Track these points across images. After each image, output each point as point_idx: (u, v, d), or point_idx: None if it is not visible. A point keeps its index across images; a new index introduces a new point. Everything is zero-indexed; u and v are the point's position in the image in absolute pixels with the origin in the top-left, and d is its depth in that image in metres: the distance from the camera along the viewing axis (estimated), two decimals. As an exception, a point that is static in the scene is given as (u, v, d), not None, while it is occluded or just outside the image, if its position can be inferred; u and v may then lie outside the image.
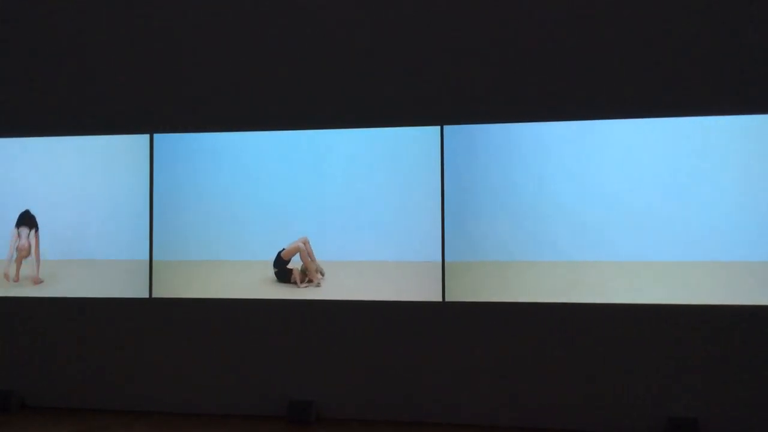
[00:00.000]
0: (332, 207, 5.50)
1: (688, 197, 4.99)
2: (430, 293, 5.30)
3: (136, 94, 5.80)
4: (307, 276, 5.51)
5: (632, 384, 5.06)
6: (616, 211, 5.08)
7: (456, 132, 5.32)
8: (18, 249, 5.82)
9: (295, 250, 5.49)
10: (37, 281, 5.83)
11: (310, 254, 5.50)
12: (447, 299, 5.27)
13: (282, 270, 5.55)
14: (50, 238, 5.85)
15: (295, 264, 5.56)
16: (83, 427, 5.28)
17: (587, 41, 5.18)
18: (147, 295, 5.69)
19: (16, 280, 5.87)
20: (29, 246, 5.81)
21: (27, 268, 5.87)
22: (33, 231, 5.82)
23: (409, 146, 5.39)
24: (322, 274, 5.50)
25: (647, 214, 5.04)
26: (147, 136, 5.72)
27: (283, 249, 5.54)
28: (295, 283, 5.52)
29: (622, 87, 5.12)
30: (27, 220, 5.84)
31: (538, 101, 5.23)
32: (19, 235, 5.81)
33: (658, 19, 5.10)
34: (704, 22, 5.04)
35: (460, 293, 5.26)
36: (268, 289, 5.55)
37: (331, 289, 5.48)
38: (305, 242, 5.50)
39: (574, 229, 5.13)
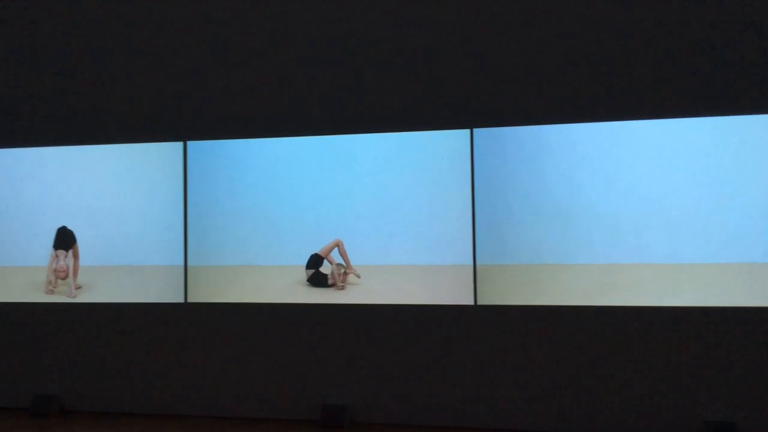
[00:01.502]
0: (363, 211, 5.53)
1: (724, 197, 4.92)
2: (462, 297, 5.30)
3: (169, 103, 5.90)
4: (345, 275, 5.54)
5: (669, 387, 5.00)
6: (650, 212, 5.03)
7: (485, 135, 5.32)
8: (56, 271, 5.95)
9: (334, 245, 5.51)
10: (74, 294, 5.95)
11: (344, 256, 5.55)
12: (479, 302, 5.26)
13: (317, 273, 5.58)
14: (88, 245, 5.96)
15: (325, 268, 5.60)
16: (120, 431, 5.37)
17: (618, 41, 5.14)
18: (182, 300, 5.77)
19: (55, 287, 5.99)
20: (67, 268, 5.93)
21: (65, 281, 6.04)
22: (70, 251, 5.94)
23: (439, 149, 5.40)
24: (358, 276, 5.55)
25: (682, 216, 4.98)
26: (181, 144, 5.81)
27: (313, 253, 5.58)
28: (333, 284, 5.55)
29: (654, 87, 5.08)
30: (63, 241, 5.95)
31: (568, 102, 5.21)
32: (57, 256, 5.95)
33: (689, 19, 5.04)
34: (734, 18, 4.97)
35: (492, 296, 5.25)
36: (301, 293, 5.60)
37: (363, 293, 5.50)
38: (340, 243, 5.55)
39: (607, 231, 5.09)
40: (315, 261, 5.58)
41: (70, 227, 5.98)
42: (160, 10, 5.96)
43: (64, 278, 5.94)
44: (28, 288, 6.04)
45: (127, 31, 6.01)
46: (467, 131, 5.34)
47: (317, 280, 5.57)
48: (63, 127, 6.07)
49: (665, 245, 5.00)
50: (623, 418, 5.06)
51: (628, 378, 5.06)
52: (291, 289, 5.62)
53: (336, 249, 5.53)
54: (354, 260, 5.52)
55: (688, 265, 4.97)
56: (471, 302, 5.28)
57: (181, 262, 5.76)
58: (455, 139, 5.37)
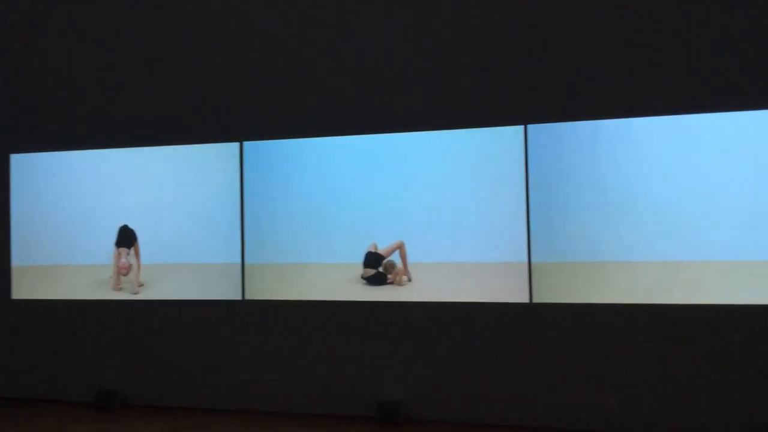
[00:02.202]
0: (416, 209, 5.53)
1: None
2: (517, 294, 5.25)
3: (226, 104, 6.01)
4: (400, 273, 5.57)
5: (733, 386, 4.86)
6: (711, 208, 4.90)
7: (540, 131, 5.26)
8: (118, 268, 6.14)
9: (397, 247, 5.53)
10: (136, 290, 6.12)
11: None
12: (534, 300, 5.21)
13: (378, 273, 5.60)
14: (149, 244, 6.13)
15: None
16: (179, 425, 5.48)
17: (673, 33, 5.03)
18: (240, 297, 5.88)
19: (118, 289, 6.18)
20: (129, 266, 6.12)
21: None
22: (132, 249, 6.12)
23: (493, 146, 5.37)
24: (409, 279, 5.56)
25: (744, 211, 4.83)
26: (237, 144, 5.92)
27: (371, 251, 5.61)
28: (392, 282, 5.57)
29: (714, 79, 4.94)
30: (124, 239, 6.13)
31: (625, 96, 5.11)
32: (119, 254, 6.13)
33: (750, 9, 4.90)
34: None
35: (548, 294, 5.19)
36: (355, 290, 5.64)
37: (417, 290, 5.51)
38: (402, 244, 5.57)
39: (667, 227, 4.97)
40: (375, 260, 5.60)
41: (131, 226, 6.16)
42: (215, 12, 6.09)
43: (125, 275, 6.12)
44: (91, 285, 6.24)
45: (184, 34, 6.15)
46: (521, 127, 5.30)
47: (377, 279, 5.60)
48: (124, 130, 6.24)
49: (727, 242, 4.86)
50: (686, 417, 4.93)
51: (690, 377, 4.94)
52: (345, 286, 5.67)
53: (397, 251, 5.55)
54: (408, 258, 5.53)
55: (751, 262, 4.83)
56: (526, 300, 5.23)
57: (239, 260, 5.87)
58: (509, 135, 5.33)
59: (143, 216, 6.14)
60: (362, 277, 5.62)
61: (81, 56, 6.42)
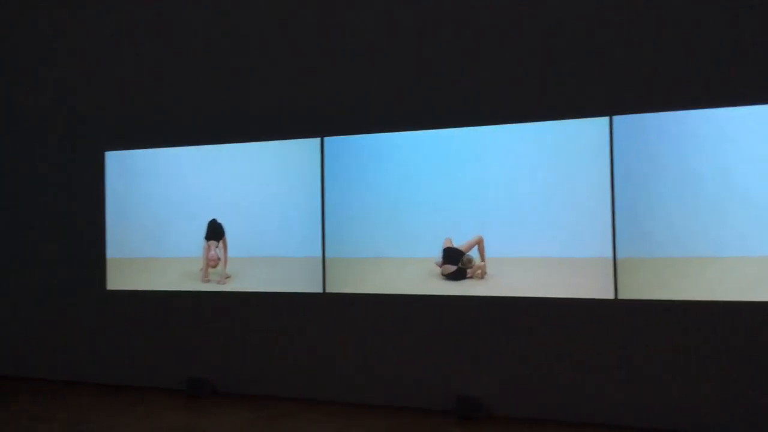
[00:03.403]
0: (497, 203, 5.48)
1: None
2: (602, 290, 5.13)
3: (307, 101, 6.12)
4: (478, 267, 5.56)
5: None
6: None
7: (626, 122, 5.11)
8: (208, 260, 6.38)
9: (476, 242, 5.52)
10: (223, 282, 6.34)
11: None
12: (620, 296, 5.08)
13: (458, 269, 5.59)
14: (235, 238, 6.33)
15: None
16: (265, 413, 5.64)
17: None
18: (321, 290, 5.99)
19: (207, 281, 6.41)
20: (217, 258, 6.35)
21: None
22: (220, 242, 6.34)
23: (577, 138, 5.25)
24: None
25: None
26: (318, 140, 6.03)
27: (449, 247, 5.60)
28: (472, 276, 5.56)
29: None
30: (214, 232, 6.36)
31: (716, 85, 4.89)
32: (208, 246, 6.36)
33: None
34: None
35: (634, 290, 5.05)
36: (435, 284, 5.65)
37: (499, 285, 5.47)
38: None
39: (759, 221, 4.73)
40: (455, 256, 5.59)
41: (218, 220, 6.37)
42: (296, 11, 6.20)
43: (214, 267, 6.35)
44: (181, 277, 6.50)
45: (266, 34, 6.30)
46: (606, 119, 5.16)
47: (458, 275, 5.59)
48: (211, 127, 6.45)
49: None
50: (782, 421, 4.72)
51: (787, 379, 4.72)
52: (425, 280, 5.68)
53: (476, 246, 5.53)
54: (489, 252, 5.50)
55: None
56: (611, 296, 5.11)
57: (320, 254, 5.98)
58: (593, 127, 5.20)
59: (230, 210, 6.34)
60: (442, 275, 5.62)
61: (170, 57, 6.68)
